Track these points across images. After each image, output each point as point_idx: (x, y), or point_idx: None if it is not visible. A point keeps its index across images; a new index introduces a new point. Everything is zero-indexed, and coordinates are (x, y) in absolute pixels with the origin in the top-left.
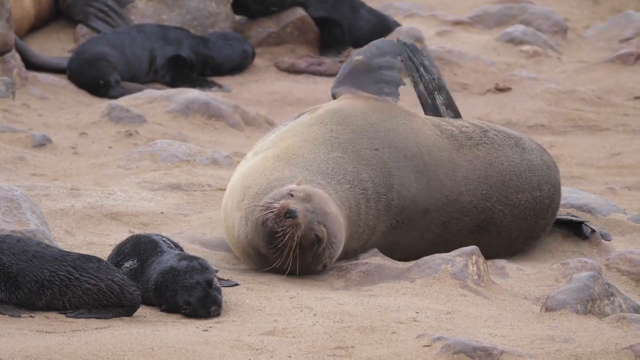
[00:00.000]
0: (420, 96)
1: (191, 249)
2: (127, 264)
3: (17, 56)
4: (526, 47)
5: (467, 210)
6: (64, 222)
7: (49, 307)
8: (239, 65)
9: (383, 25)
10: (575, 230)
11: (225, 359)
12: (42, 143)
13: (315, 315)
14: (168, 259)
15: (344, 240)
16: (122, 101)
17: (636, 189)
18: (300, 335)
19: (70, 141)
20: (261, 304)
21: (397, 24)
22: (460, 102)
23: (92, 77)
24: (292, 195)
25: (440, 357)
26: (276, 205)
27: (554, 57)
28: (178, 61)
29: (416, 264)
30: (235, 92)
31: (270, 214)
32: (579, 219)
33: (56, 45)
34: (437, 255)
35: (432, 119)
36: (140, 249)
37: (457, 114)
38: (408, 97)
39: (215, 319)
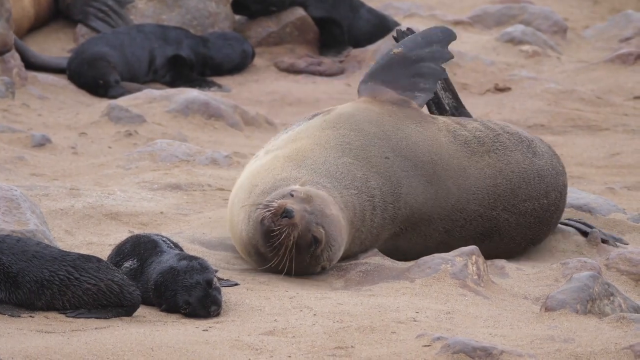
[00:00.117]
0: (428, 107)
1: (191, 249)
2: (127, 264)
3: (17, 56)
4: (526, 47)
5: (472, 218)
6: (63, 222)
7: (48, 307)
8: (239, 65)
9: (383, 25)
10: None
11: (225, 358)
12: (42, 143)
13: (314, 315)
14: (168, 259)
15: (345, 244)
16: (122, 101)
17: (636, 189)
18: (300, 335)
19: (69, 141)
20: (261, 304)
21: (397, 24)
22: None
23: (92, 77)
24: (292, 196)
25: (440, 357)
26: (275, 204)
27: (553, 57)
28: (178, 61)
29: (416, 263)
30: (234, 92)
31: (267, 213)
32: (587, 228)
33: (56, 45)
34: (436, 255)
35: (448, 122)
36: (140, 248)
37: (459, 103)
38: None
39: (215, 319)
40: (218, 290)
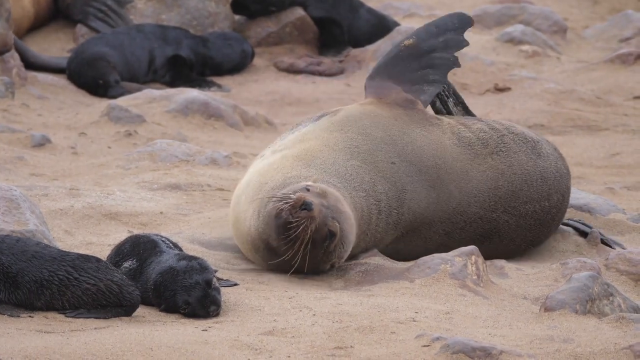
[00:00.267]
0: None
1: (190, 249)
2: (126, 264)
3: (17, 56)
4: (526, 47)
5: (472, 221)
6: (63, 222)
7: (48, 307)
8: (238, 65)
9: (382, 25)
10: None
11: (224, 359)
12: (42, 143)
13: (314, 315)
14: (167, 259)
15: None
16: (122, 101)
17: (635, 189)
18: (300, 335)
19: (69, 141)
20: (260, 304)
21: (397, 24)
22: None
23: (92, 77)
24: (308, 190)
25: (440, 357)
26: (292, 196)
27: (553, 57)
28: (177, 61)
29: (415, 264)
30: (234, 92)
31: (285, 205)
32: (586, 228)
33: (55, 45)
34: (436, 255)
35: (452, 124)
36: (139, 249)
37: (466, 109)
38: None
39: (214, 319)
40: (217, 290)
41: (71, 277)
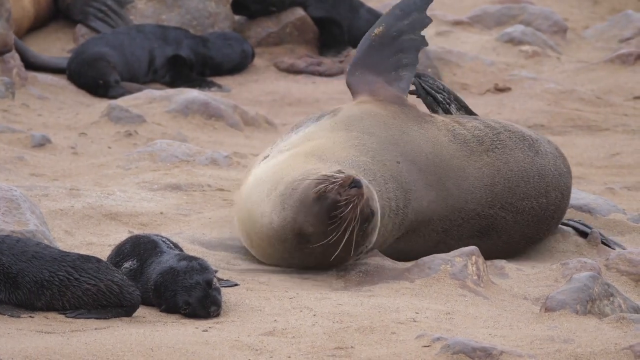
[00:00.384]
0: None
1: (191, 249)
2: (127, 265)
3: (17, 56)
4: (526, 47)
5: (470, 217)
6: (63, 222)
7: (48, 308)
8: (239, 65)
9: None
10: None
11: (224, 359)
12: (42, 143)
13: (314, 315)
14: (167, 259)
15: None
16: (122, 101)
17: (635, 189)
18: (300, 336)
19: (69, 141)
20: (261, 305)
21: None
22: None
23: (92, 77)
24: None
25: (440, 357)
26: (339, 175)
27: (553, 57)
28: (177, 61)
29: (416, 264)
30: (234, 92)
31: (330, 186)
32: (586, 228)
33: (55, 45)
34: (436, 255)
35: (447, 122)
36: (139, 249)
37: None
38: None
39: (215, 320)
40: (218, 290)
41: (71, 278)
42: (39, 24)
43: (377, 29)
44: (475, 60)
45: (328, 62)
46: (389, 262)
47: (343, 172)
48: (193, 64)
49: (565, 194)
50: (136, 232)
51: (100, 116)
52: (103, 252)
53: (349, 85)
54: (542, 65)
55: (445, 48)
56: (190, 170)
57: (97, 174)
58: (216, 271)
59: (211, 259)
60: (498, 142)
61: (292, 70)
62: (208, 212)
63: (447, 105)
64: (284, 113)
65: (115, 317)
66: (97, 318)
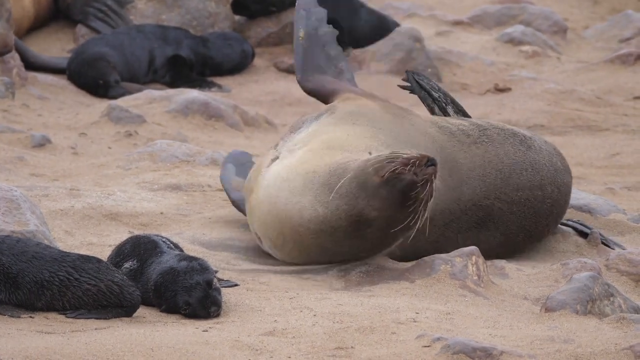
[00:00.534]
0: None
1: (191, 250)
2: (127, 265)
3: (17, 56)
4: (526, 47)
5: (467, 208)
6: (63, 223)
7: (48, 308)
8: (239, 65)
9: (382, 26)
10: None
11: (224, 359)
12: (42, 143)
13: (314, 315)
14: (168, 260)
15: None
16: (122, 101)
17: (636, 189)
18: (300, 336)
19: (69, 141)
20: (261, 305)
21: (397, 24)
22: (459, 102)
23: (92, 77)
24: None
25: (440, 357)
26: (414, 154)
27: (553, 57)
28: (177, 61)
29: (416, 264)
30: (234, 92)
31: (400, 167)
32: (586, 229)
33: (55, 46)
34: (436, 255)
35: (429, 117)
36: (139, 249)
37: (466, 117)
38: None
39: (215, 320)
40: (218, 290)
41: (72, 278)
42: (39, 24)
43: (300, 33)
44: (475, 60)
45: None
46: (389, 262)
47: (408, 152)
48: (193, 64)
49: (563, 190)
50: (136, 232)
51: (100, 116)
52: (103, 253)
53: (313, 92)
54: (542, 65)
55: (445, 48)
56: (191, 170)
57: (97, 174)
58: (216, 271)
59: (211, 259)
60: (485, 137)
61: (292, 71)
62: (208, 213)
63: (444, 105)
64: (284, 113)
65: (115, 317)
66: (97, 318)
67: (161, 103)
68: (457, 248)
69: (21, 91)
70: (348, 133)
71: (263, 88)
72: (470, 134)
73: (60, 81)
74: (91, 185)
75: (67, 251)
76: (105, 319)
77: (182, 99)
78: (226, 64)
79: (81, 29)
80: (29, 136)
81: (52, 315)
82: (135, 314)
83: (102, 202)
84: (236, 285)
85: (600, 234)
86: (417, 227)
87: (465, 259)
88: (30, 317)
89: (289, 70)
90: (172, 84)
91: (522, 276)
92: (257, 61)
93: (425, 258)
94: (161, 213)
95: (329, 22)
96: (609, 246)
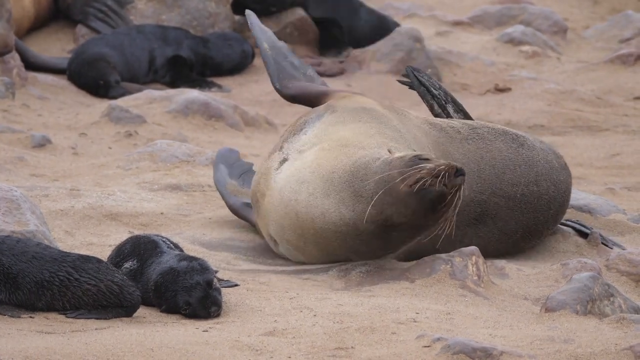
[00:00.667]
0: (437, 116)
1: (191, 250)
2: (127, 265)
3: (17, 56)
4: (526, 48)
5: (465, 204)
6: (63, 223)
7: (48, 308)
8: (239, 66)
9: (382, 26)
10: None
11: (224, 359)
12: (42, 143)
13: (315, 315)
14: (168, 260)
15: None
16: (122, 101)
17: (636, 190)
18: (300, 336)
19: (70, 141)
20: (261, 305)
21: (397, 24)
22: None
23: (92, 78)
24: (426, 159)
25: (440, 357)
26: (442, 164)
27: (553, 58)
28: (178, 61)
29: (416, 264)
30: (234, 92)
31: (430, 179)
32: (586, 229)
33: (56, 46)
34: (436, 255)
35: (417, 115)
36: (140, 249)
37: (467, 117)
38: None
39: (215, 320)
40: (218, 291)
41: (72, 278)
42: (39, 24)
43: (264, 45)
44: (476, 60)
45: (328, 62)
46: (389, 263)
47: (434, 161)
48: (193, 64)
49: (560, 187)
50: (136, 232)
51: (101, 116)
52: (103, 253)
53: (296, 97)
54: (542, 65)
55: (445, 48)
56: (191, 170)
57: (97, 174)
58: (216, 271)
59: (211, 259)
60: (475, 134)
61: None
62: (208, 213)
63: (444, 102)
64: (284, 113)
65: (115, 317)
66: (97, 318)
67: (161, 103)
68: (455, 245)
69: (21, 91)
70: (356, 130)
71: (263, 88)
72: (460, 131)
73: (61, 81)
74: (91, 186)
75: (67, 251)
76: (105, 319)
77: (182, 99)
78: (226, 64)
79: (81, 29)
80: (29, 136)
81: (52, 315)
82: (135, 314)
83: (102, 202)
84: (236, 285)
85: (600, 234)
86: (445, 232)
87: (465, 259)
88: (31, 317)
89: None
90: (172, 84)
91: (522, 276)
92: (257, 61)
93: (425, 258)
94: (161, 213)
95: (329, 22)
96: (607, 246)
